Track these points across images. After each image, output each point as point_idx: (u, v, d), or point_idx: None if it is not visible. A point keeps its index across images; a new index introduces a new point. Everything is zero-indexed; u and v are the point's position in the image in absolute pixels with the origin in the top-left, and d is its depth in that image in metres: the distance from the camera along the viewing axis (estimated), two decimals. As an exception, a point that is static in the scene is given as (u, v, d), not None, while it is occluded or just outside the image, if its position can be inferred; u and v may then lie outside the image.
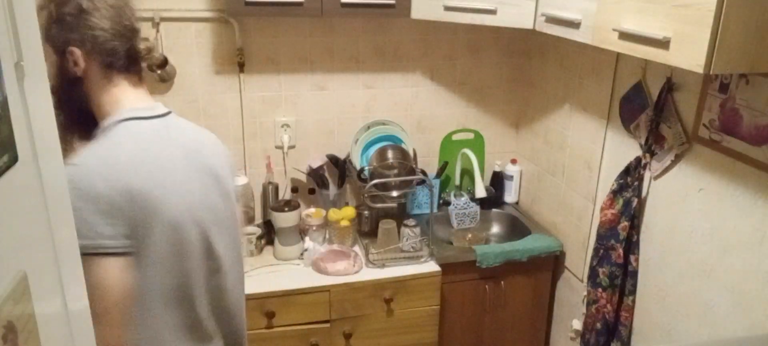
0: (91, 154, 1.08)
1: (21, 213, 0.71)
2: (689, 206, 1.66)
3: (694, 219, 1.64)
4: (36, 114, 0.74)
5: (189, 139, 1.23)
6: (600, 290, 1.86)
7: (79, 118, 1.16)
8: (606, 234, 1.84)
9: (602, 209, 1.85)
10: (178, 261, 1.15)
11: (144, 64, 1.22)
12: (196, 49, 2.19)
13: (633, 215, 1.79)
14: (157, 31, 2.13)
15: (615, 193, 1.83)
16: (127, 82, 1.18)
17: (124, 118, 1.14)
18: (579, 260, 2.21)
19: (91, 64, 1.13)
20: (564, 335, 2.36)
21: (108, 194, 1.03)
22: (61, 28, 1.10)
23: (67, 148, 1.13)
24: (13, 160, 0.68)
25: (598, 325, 1.88)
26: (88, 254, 0.97)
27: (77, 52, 1.11)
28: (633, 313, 1.89)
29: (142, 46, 1.19)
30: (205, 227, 1.19)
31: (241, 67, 2.23)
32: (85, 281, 0.88)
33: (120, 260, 1.05)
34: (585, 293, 2.12)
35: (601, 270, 1.87)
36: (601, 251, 1.86)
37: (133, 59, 1.18)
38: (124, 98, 1.17)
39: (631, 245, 1.82)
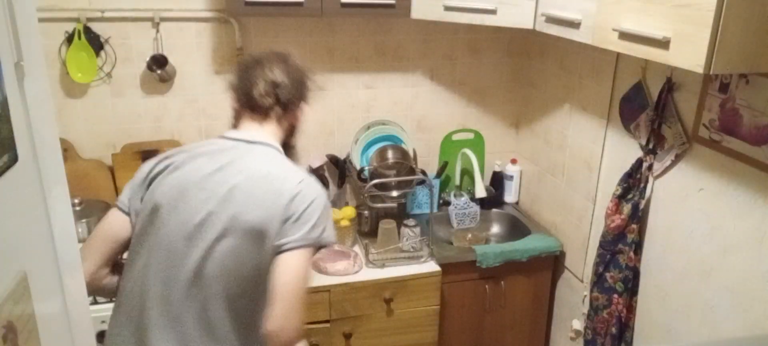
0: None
1: (21, 213, 0.71)
2: (689, 206, 1.66)
3: (694, 219, 1.64)
4: (36, 114, 0.74)
5: (243, 167, 1.33)
6: (615, 295, 1.86)
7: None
8: (613, 240, 1.84)
9: (607, 215, 1.84)
10: (153, 229, 1.33)
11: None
12: (196, 49, 2.19)
13: (640, 217, 1.79)
14: (157, 31, 2.13)
15: (619, 198, 1.83)
16: (243, 117, 1.46)
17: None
18: (579, 260, 2.21)
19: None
20: (564, 335, 2.36)
21: (141, 169, 1.38)
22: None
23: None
24: (13, 160, 0.68)
25: (614, 329, 1.87)
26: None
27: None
28: (635, 313, 1.89)
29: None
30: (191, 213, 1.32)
31: None
32: None
33: (115, 210, 1.38)
34: (585, 293, 2.12)
35: (609, 275, 1.86)
36: (608, 256, 1.86)
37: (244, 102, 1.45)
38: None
39: (636, 246, 1.82)
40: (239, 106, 1.42)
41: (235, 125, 1.43)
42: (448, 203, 2.47)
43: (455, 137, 2.54)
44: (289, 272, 1.24)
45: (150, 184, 1.33)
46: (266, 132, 1.40)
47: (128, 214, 1.35)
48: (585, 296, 2.12)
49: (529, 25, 1.85)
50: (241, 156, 1.33)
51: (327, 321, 2.05)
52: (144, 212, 1.32)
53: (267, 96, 1.39)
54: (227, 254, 1.26)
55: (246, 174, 1.29)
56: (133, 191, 1.36)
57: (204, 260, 1.26)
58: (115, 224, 1.35)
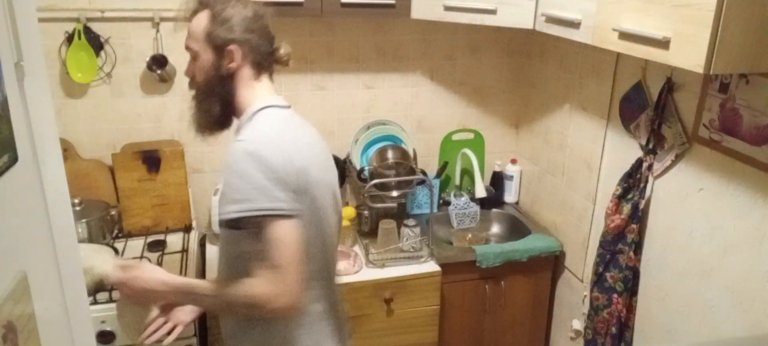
0: (258, 134, 1.22)
1: (21, 213, 0.71)
2: (689, 206, 1.66)
3: (694, 219, 1.64)
4: (36, 114, 0.74)
5: (311, 126, 1.39)
6: (615, 295, 1.86)
7: (221, 110, 1.31)
8: (613, 240, 1.84)
9: (607, 215, 1.84)
10: (321, 223, 1.31)
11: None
12: (196, 49, 2.19)
13: (640, 217, 1.79)
14: (157, 31, 2.13)
15: (619, 198, 1.83)
16: (267, 81, 1.33)
17: (265, 105, 1.28)
18: (579, 260, 2.21)
19: (243, 63, 1.28)
20: (564, 335, 2.36)
21: (282, 168, 1.17)
22: (224, 28, 1.25)
23: (205, 135, 1.34)
24: (13, 160, 0.68)
25: (614, 329, 1.87)
26: (268, 216, 1.15)
27: (236, 50, 1.26)
28: (635, 313, 1.89)
29: (283, 51, 1.34)
30: (335, 197, 1.38)
31: None
32: (264, 238, 1.14)
33: (292, 221, 1.18)
34: (585, 293, 2.12)
35: (609, 275, 1.86)
36: (608, 256, 1.86)
37: (272, 62, 1.34)
38: (264, 93, 1.31)
39: (636, 246, 1.82)
40: (259, 66, 1.30)
41: (258, 83, 1.31)
42: (448, 203, 2.47)
43: (455, 137, 2.54)
44: None
45: (302, 183, 1.22)
46: None
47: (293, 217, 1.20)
48: (585, 296, 2.12)
49: (529, 25, 1.85)
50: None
51: (327, 321, 2.05)
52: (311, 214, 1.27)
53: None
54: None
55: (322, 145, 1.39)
56: (287, 193, 1.19)
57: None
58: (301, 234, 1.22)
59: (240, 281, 1.19)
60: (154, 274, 1.32)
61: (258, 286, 1.16)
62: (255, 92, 1.30)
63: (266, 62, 1.32)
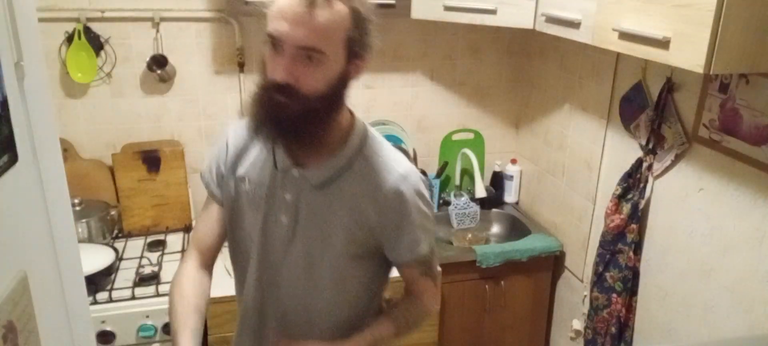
0: (409, 165, 1.17)
1: (21, 213, 0.71)
2: (689, 206, 1.66)
3: (694, 219, 1.64)
4: (36, 114, 0.74)
5: None
6: (614, 295, 1.86)
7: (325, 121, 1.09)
8: (612, 240, 1.84)
9: (607, 215, 1.84)
10: None
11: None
12: (196, 49, 2.19)
13: (640, 217, 1.79)
14: (157, 31, 2.13)
15: (619, 198, 1.83)
16: None
17: (364, 123, 1.21)
18: (579, 260, 2.21)
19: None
20: (564, 335, 2.36)
21: None
22: (368, 35, 1.05)
23: (309, 160, 1.13)
24: (13, 160, 0.68)
25: (614, 329, 1.87)
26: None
27: (364, 62, 1.07)
28: (635, 313, 1.89)
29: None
30: None
31: (241, 67, 2.23)
32: (428, 257, 1.23)
33: None
34: (585, 293, 2.12)
35: (609, 275, 1.86)
36: (608, 256, 1.86)
37: None
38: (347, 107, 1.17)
39: (635, 246, 1.82)
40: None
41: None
42: (448, 203, 2.47)
43: (455, 137, 2.54)
44: None
45: None
46: None
47: None
48: (585, 296, 2.12)
49: (529, 25, 1.85)
50: None
51: (327, 321, 2.05)
52: None
53: None
54: None
55: None
56: None
57: None
58: None
59: (411, 302, 1.28)
60: None
61: (430, 296, 1.28)
62: (345, 105, 1.14)
63: None
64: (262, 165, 1.17)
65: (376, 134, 1.22)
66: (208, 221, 1.26)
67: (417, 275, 1.23)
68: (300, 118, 1.02)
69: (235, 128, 1.24)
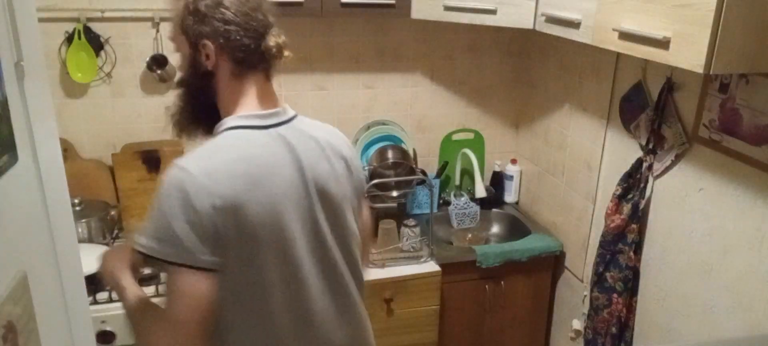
0: (196, 161, 1.04)
1: (21, 213, 0.71)
2: (689, 206, 1.66)
3: (694, 219, 1.64)
4: (36, 114, 0.74)
5: (306, 146, 1.17)
6: (615, 295, 1.86)
7: (206, 113, 1.16)
8: (613, 240, 1.84)
9: (607, 215, 1.84)
10: (257, 271, 1.09)
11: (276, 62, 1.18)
12: (196, 49, 2.19)
13: (640, 217, 1.79)
14: (157, 31, 2.13)
15: (619, 198, 1.82)
16: (253, 81, 1.14)
17: (233, 126, 1.11)
18: (579, 260, 2.21)
19: (222, 59, 1.11)
20: (564, 335, 2.36)
21: (205, 210, 1.00)
22: (196, 20, 1.09)
23: (181, 137, 1.22)
24: (13, 160, 0.68)
25: (614, 329, 1.87)
26: (177, 264, 0.99)
27: (210, 45, 1.10)
28: (635, 313, 1.89)
29: (272, 43, 1.12)
30: (289, 235, 1.12)
31: None
32: (167, 287, 1.01)
33: (208, 275, 1.02)
34: (585, 293, 2.12)
35: (609, 275, 1.86)
36: (608, 256, 1.86)
37: (262, 57, 1.13)
38: (245, 100, 1.13)
39: (635, 246, 1.82)
40: (241, 63, 1.12)
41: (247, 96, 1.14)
42: (448, 203, 2.47)
43: (455, 137, 2.54)
44: None
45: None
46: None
47: None
48: (585, 296, 2.12)
49: (529, 25, 1.85)
50: None
51: (327, 321, 2.05)
52: None
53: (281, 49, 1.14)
54: None
55: None
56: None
57: None
58: None
59: (154, 315, 1.06)
60: (113, 261, 1.17)
61: (156, 332, 1.04)
62: (235, 99, 1.13)
63: (252, 59, 1.12)
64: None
65: (227, 139, 1.11)
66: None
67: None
68: (177, 99, 1.22)
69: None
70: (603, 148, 2.03)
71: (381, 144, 2.34)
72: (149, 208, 1.02)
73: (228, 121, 1.12)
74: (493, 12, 1.91)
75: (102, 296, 1.79)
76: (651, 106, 1.75)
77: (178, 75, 1.20)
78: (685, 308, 1.69)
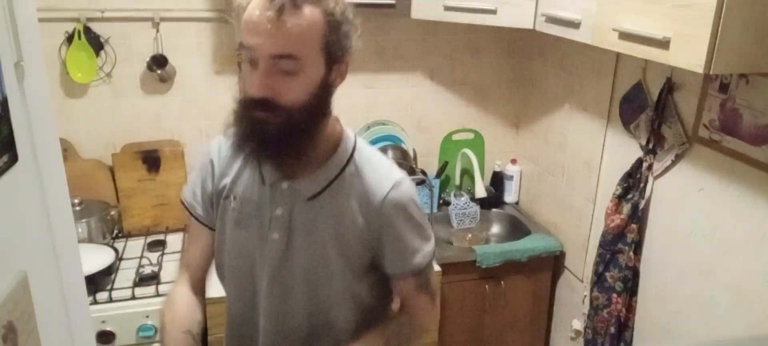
0: (402, 174, 1.13)
1: (21, 213, 0.71)
2: (689, 206, 1.66)
3: (694, 219, 1.64)
4: (36, 114, 0.74)
5: None
6: (614, 295, 1.86)
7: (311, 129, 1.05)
8: (613, 240, 1.84)
9: (607, 215, 1.84)
10: None
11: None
12: (196, 49, 2.19)
13: (640, 217, 1.79)
14: (157, 31, 2.13)
15: (619, 198, 1.83)
16: None
17: (352, 133, 1.15)
18: (579, 260, 2.21)
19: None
20: (564, 335, 2.36)
21: None
22: (345, 36, 1.01)
23: (300, 164, 1.08)
24: (13, 160, 0.68)
25: (613, 329, 1.87)
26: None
27: (347, 66, 1.04)
28: (635, 313, 1.89)
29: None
30: None
31: (242, 67, 2.23)
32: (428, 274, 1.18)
33: None
34: (585, 293, 2.12)
35: (609, 275, 1.86)
36: (608, 256, 1.86)
37: None
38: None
39: (635, 246, 1.82)
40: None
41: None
42: (448, 203, 2.47)
43: (455, 137, 2.54)
44: None
45: None
46: None
47: None
48: (585, 296, 2.12)
49: (529, 25, 1.85)
50: None
51: (327, 321, 2.05)
52: None
53: None
54: None
55: None
56: None
57: None
58: None
59: (405, 318, 1.19)
60: None
61: (425, 313, 1.21)
62: (333, 114, 1.09)
63: None
64: (249, 181, 1.12)
65: (365, 143, 1.18)
66: (196, 243, 1.22)
67: (412, 289, 1.17)
68: (284, 132, 0.98)
69: (218, 145, 1.19)
70: (603, 148, 2.03)
71: (381, 144, 2.34)
72: (414, 236, 1.13)
73: (349, 132, 1.15)
74: (493, 12, 1.91)
75: (102, 296, 1.79)
76: (651, 106, 1.75)
77: (286, 98, 0.97)
78: (685, 308, 1.69)
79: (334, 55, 0.99)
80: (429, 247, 1.15)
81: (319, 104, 1.02)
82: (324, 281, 1.13)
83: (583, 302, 2.15)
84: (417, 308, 1.19)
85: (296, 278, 1.13)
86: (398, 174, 1.12)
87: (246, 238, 1.14)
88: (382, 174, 1.10)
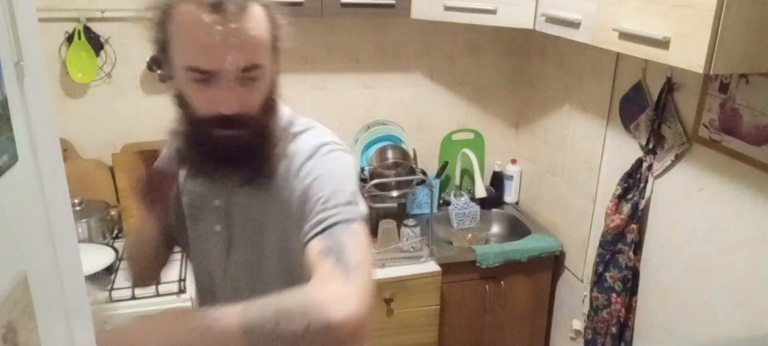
0: (328, 134, 1.05)
1: (21, 213, 0.71)
2: (689, 206, 1.66)
3: (695, 219, 1.64)
4: (36, 114, 0.74)
5: None
6: (614, 295, 1.86)
7: None
8: (612, 240, 1.84)
9: (607, 215, 1.84)
10: None
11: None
12: (196, 49, 2.19)
13: (640, 217, 1.79)
14: (157, 31, 2.12)
15: (619, 198, 1.83)
16: None
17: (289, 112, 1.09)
18: (579, 260, 2.21)
19: None
20: (564, 335, 2.36)
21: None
22: (282, 27, 0.97)
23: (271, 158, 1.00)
24: (13, 160, 0.68)
25: (614, 329, 1.88)
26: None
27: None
28: (635, 313, 1.89)
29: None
30: None
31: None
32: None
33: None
34: (585, 293, 2.12)
35: (609, 275, 1.87)
36: (608, 256, 1.86)
37: None
38: None
39: (635, 246, 1.82)
40: None
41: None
42: (448, 203, 2.47)
43: (455, 137, 2.54)
44: None
45: None
46: None
47: None
48: (585, 296, 2.12)
49: (529, 25, 1.85)
50: None
51: (327, 321, 2.05)
52: None
53: None
54: None
55: None
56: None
57: None
58: None
59: (297, 291, 0.87)
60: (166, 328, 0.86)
61: (332, 288, 0.87)
62: None
63: None
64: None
65: (296, 114, 1.07)
66: None
67: (315, 253, 0.89)
68: (254, 142, 0.93)
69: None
70: (603, 148, 2.03)
71: (381, 144, 2.34)
72: (331, 192, 0.94)
73: (288, 109, 1.07)
74: (493, 12, 1.91)
75: (102, 296, 1.79)
76: (651, 106, 1.75)
77: (253, 105, 0.94)
78: (685, 308, 1.69)
79: (279, 47, 0.95)
80: (346, 207, 0.92)
81: (275, 100, 0.98)
82: (266, 276, 1.04)
83: (583, 302, 2.15)
84: (320, 279, 0.85)
85: (239, 275, 1.06)
86: (320, 139, 1.00)
87: (198, 233, 1.10)
88: (307, 139, 1.01)
